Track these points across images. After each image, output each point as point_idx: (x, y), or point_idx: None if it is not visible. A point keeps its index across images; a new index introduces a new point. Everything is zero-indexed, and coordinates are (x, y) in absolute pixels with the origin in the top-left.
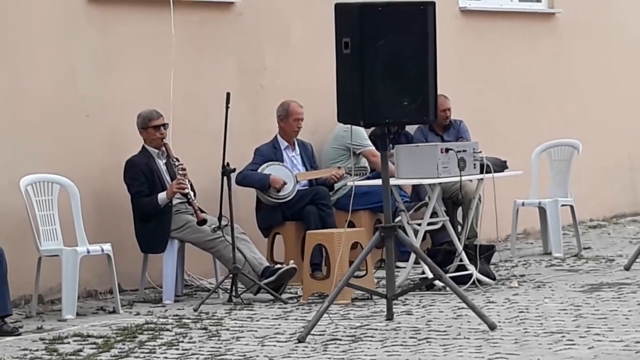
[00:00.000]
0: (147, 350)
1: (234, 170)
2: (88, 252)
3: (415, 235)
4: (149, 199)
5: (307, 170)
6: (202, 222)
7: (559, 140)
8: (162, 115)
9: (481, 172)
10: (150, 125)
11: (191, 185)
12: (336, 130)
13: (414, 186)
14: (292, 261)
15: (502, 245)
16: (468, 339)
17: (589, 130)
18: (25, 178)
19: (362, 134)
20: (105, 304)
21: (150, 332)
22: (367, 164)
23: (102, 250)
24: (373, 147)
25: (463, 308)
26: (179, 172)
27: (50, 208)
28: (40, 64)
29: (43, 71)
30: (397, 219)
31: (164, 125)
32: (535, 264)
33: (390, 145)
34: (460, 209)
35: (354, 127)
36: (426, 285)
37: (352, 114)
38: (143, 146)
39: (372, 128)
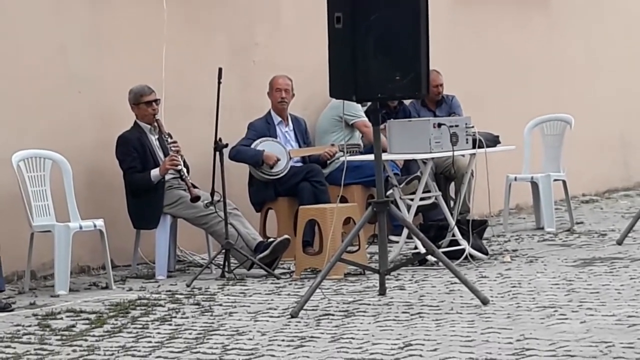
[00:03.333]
0: (140, 326)
1: (226, 145)
2: (80, 227)
3: (408, 210)
4: (142, 175)
5: (300, 145)
6: (196, 198)
7: (551, 115)
8: (154, 91)
9: (473, 147)
10: (142, 101)
11: (184, 161)
12: (331, 101)
13: (405, 161)
14: (286, 235)
15: (494, 220)
16: (461, 313)
17: (582, 106)
18: (17, 154)
19: (356, 105)
20: (97, 280)
21: (143, 308)
22: (360, 141)
23: (95, 226)
24: (366, 119)
25: (455, 283)
26: (172, 149)
27: (42, 184)
28: (31, 41)
29: (34, 48)
30: (389, 192)
31: (156, 101)
32: (527, 239)
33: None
34: (452, 184)
35: None
36: (419, 260)
37: (345, 89)
38: (135, 122)
39: (368, 103)
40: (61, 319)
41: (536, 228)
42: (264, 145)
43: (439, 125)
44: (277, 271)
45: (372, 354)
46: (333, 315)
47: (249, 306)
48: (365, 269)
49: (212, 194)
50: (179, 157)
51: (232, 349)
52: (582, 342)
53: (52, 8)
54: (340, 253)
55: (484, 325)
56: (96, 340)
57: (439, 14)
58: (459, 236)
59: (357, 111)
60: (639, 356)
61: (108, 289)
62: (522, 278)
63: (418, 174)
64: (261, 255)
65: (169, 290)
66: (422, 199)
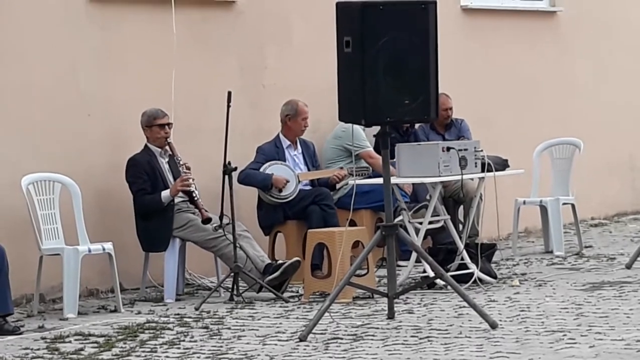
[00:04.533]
0: (149, 349)
1: (235, 169)
2: (89, 251)
3: (417, 234)
4: (152, 197)
5: (309, 169)
6: (207, 220)
7: (560, 139)
8: (167, 114)
9: (482, 171)
10: (155, 124)
11: (194, 184)
12: (334, 130)
13: (413, 186)
14: (296, 258)
15: (503, 244)
16: (469, 337)
17: (591, 128)
18: (26, 177)
19: (360, 135)
20: (106, 303)
21: (151, 331)
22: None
23: (104, 249)
24: (371, 149)
25: (464, 307)
26: (184, 170)
27: (51, 207)
28: (41, 62)
29: (44, 69)
30: (398, 218)
31: (169, 124)
32: (536, 263)
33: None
34: (461, 207)
35: (352, 128)
36: (427, 284)
37: (354, 113)
38: (145, 145)
39: (376, 128)
40: (70, 342)
41: (545, 252)
42: (272, 168)
43: (448, 149)
44: (285, 294)
45: None
46: (342, 339)
47: (257, 330)
48: (374, 292)
49: (220, 218)
50: (191, 177)
51: None
52: None
53: (62, 30)
54: (349, 277)
55: (493, 350)
56: None
57: (447, 38)
58: (467, 260)
59: (362, 141)
60: None
61: (117, 312)
62: (531, 302)
63: (426, 201)
64: (271, 277)
65: (178, 314)
66: (430, 222)
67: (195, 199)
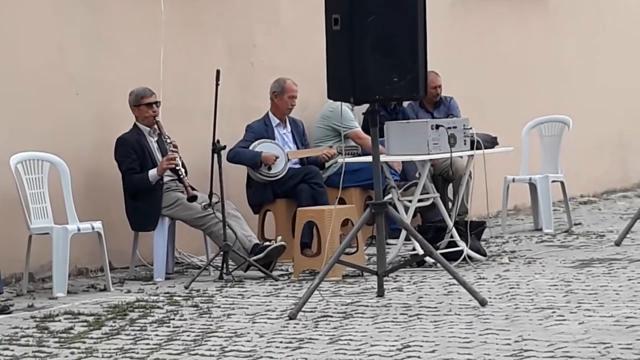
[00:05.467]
0: (138, 328)
1: (224, 147)
2: (78, 230)
3: (406, 212)
4: (140, 176)
5: (298, 147)
6: (192, 198)
7: (549, 117)
8: (155, 93)
9: (471, 149)
10: (142, 103)
11: (182, 162)
12: (322, 110)
13: (403, 163)
14: (280, 237)
15: (492, 222)
16: (459, 315)
17: (580, 107)
18: (15, 156)
19: (348, 115)
20: (96, 282)
21: (141, 310)
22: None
23: (93, 228)
24: (359, 129)
25: (454, 284)
26: (171, 148)
27: (40, 186)
28: (29, 43)
29: (32, 49)
30: (387, 196)
31: (157, 103)
32: (525, 240)
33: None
34: (450, 185)
35: (339, 108)
36: (417, 261)
37: (342, 91)
38: (134, 124)
39: (365, 106)
40: (59, 321)
41: (534, 229)
42: (262, 147)
43: (437, 126)
44: (275, 273)
45: (370, 355)
46: (331, 316)
47: (247, 308)
48: (363, 270)
49: (210, 196)
50: (177, 156)
51: (231, 350)
52: (580, 344)
53: (50, 10)
54: (338, 255)
55: (482, 327)
56: (94, 343)
57: (436, 16)
58: (457, 237)
59: (349, 121)
60: (637, 357)
61: (106, 291)
62: (521, 279)
63: (415, 179)
64: (255, 258)
65: (167, 292)
66: (420, 200)
67: (181, 177)
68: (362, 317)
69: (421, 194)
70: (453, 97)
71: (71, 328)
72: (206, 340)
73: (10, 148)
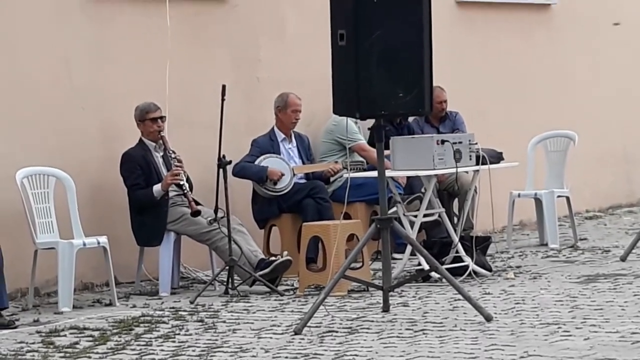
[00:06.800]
0: (144, 343)
1: (229, 162)
2: (84, 244)
3: (411, 227)
4: (145, 191)
5: (303, 162)
6: (196, 213)
7: (554, 132)
8: (160, 108)
9: (477, 164)
10: (147, 118)
11: (187, 177)
12: (326, 125)
13: (408, 178)
14: (285, 252)
15: (498, 237)
16: (464, 330)
17: (585, 121)
18: (21, 171)
19: (352, 128)
20: (101, 297)
21: (146, 325)
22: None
23: (98, 242)
24: (363, 141)
25: (459, 299)
26: (175, 163)
27: (46, 201)
28: (35, 56)
29: (38, 63)
30: (392, 210)
31: (162, 118)
32: (531, 255)
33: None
34: (456, 200)
35: (343, 121)
36: (422, 276)
37: (348, 106)
38: (140, 139)
39: (371, 121)
40: (65, 336)
41: (540, 244)
42: (267, 162)
43: (443, 142)
44: (280, 288)
45: None
46: (337, 332)
47: (252, 323)
48: (369, 285)
49: (215, 211)
50: (182, 171)
51: None
52: (585, 359)
53: (55, 23)
54: (343, 270)
55: (488, 342)
56: (100, 358)
57: (441, 30)
58: (462, 253)
59: (353, 134)
60: None
61: (111, 306)
62: (526, 295)
63: (420, 193)
64: (261, 273)
65: (173, 307)
66: (425, 215)
67: (185, 192)
68: (367, 333)
69: (426, 209)
70: (458, 112)
71: (77, 343)
72: (211, 356)
73: (16, 163)
